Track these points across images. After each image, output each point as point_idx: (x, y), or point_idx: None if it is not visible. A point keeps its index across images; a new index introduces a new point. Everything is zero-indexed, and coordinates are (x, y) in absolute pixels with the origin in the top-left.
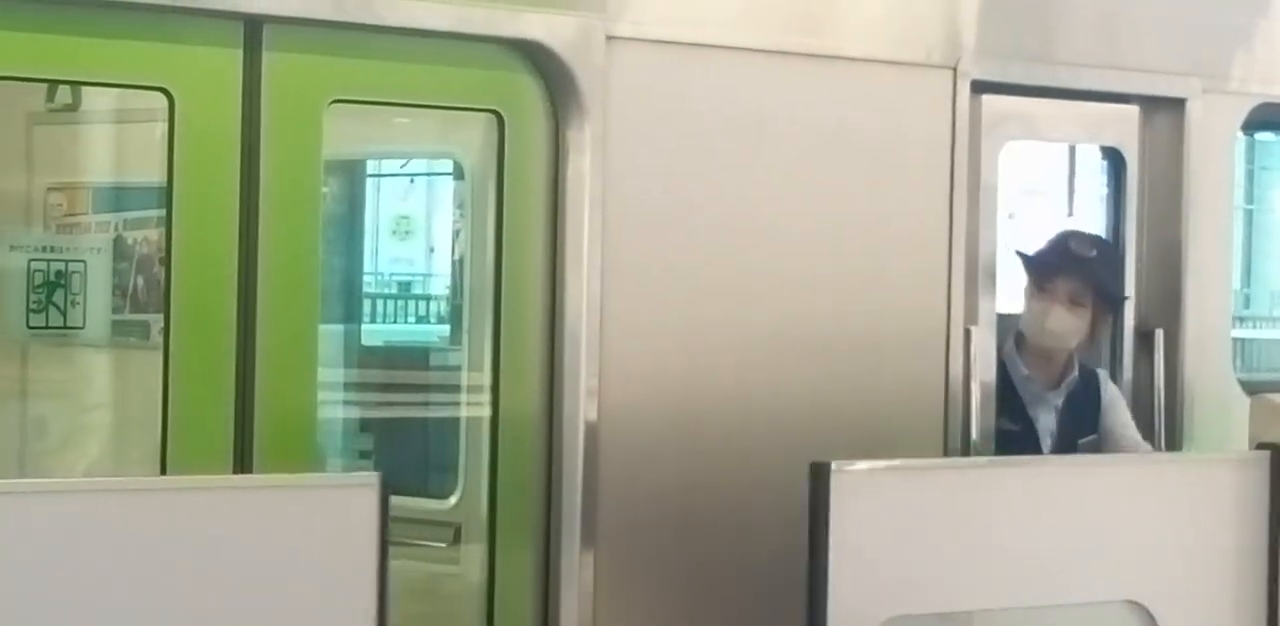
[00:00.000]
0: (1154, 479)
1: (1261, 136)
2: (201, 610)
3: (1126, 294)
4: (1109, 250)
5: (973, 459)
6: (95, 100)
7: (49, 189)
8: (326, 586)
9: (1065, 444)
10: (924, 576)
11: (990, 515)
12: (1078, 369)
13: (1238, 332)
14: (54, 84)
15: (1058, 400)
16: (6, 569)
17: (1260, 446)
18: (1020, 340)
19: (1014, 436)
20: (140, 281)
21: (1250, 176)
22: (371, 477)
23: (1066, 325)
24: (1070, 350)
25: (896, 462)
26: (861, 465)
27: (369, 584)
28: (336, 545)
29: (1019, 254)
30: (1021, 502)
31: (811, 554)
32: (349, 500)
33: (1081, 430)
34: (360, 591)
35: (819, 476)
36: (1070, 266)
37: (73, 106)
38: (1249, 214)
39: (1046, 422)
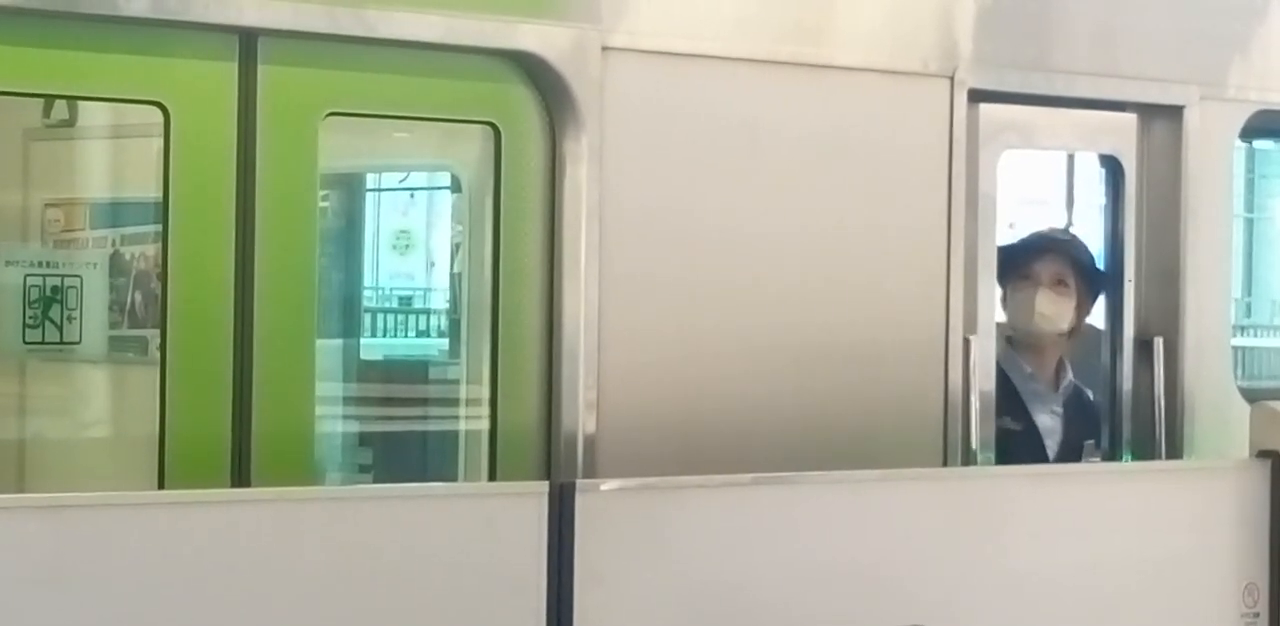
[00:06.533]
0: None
1: (1261, 144)
2: (370, 620)
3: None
4: (1079, 238)
5: (735, 476)
6: (92, 115)
7: (47, 205)
8: (495, 594)
9: (1069, 446)
10: (683, 603)
11: (760, 536)
12: (1071, 374)
13: (1240, 341)
14: (49, 99)
15: (1058, 402)
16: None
17: (1261, 454)
18: (1012, 343)
19: (1016, 436)
20: (138, 297)
21: (1250, 185)
22: (539, 486)
23: (1056, 306)
24: (1062, 339)
25: (652, 480)
26: (610, 484)
27: (538, 592)
28: (505, 553)
29: (998, 248)
30: (789, 522)
31: (554, 581)
32: (517, 508)
33: (1083, 434)
34: (529, 599)
35: (562, 497)
36: (1050, 246)
37: (69, 122)
38: (1249, 222)
39: (1046, 423)
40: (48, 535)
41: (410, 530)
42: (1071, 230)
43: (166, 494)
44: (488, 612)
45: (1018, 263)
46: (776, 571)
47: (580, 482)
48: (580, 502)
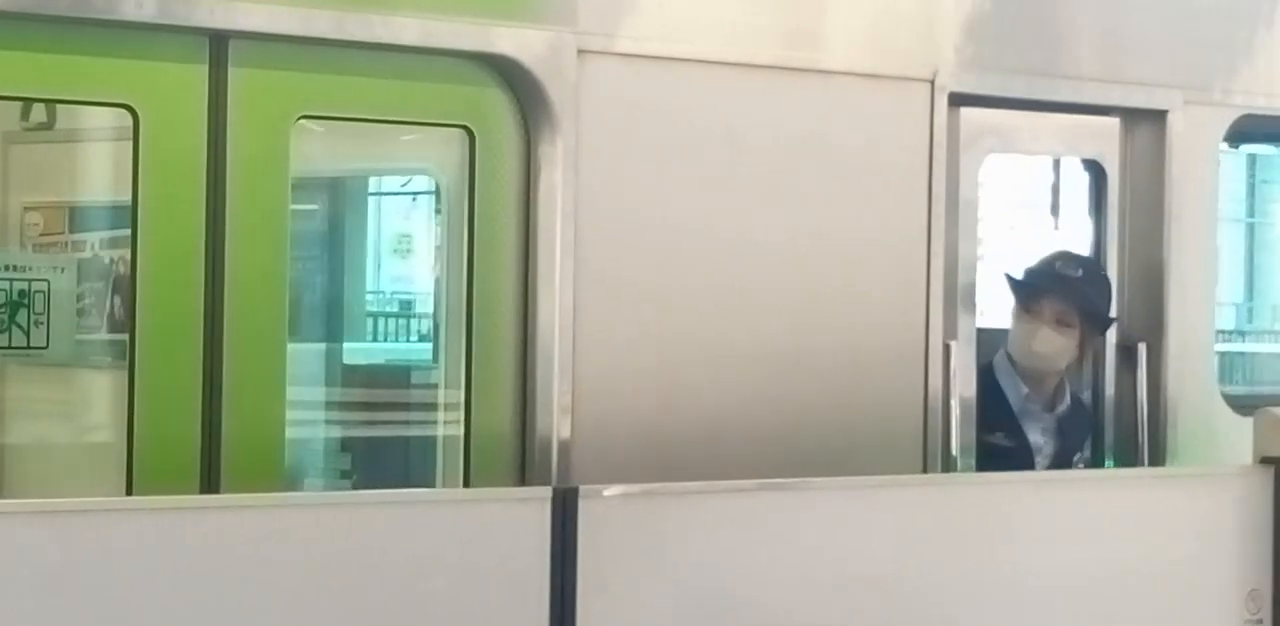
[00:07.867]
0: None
1: (1262, 149)
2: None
3: (1114, 314)
4: (1095, 270)
5: (739, 482)
6: (71, 119)
7: (25, 208)
8: (499, 601)
9: (1059, 463)
10: (686, 608)
11: (764, 542)
12: (1069, 398)
13: (1241, 346)
14: (16, 101)
15: (1052, 422)
16: (154, 581)
17: (1263, 460)
18: (1013, 360)
19: (1008, 453)
20: (117, 300)
21: (1251, 189)
22: (543, 491)
23: (1054, 346)
24: (1061, 372)
25: (655, 486)
26: (613, 490)
27: (541, 598)
28: (508, 559)
29: (1005, 276)
30: (793, 528)
31: (558, 587)
32: (520, 514)
33: (1073, 449)
34: (532, 605)
35: (565, 502)
36: (1056, 287)
37: (48, 125)
38: (1250, 227)
39: (1037, 441)
40: (42, 540)
41: (412, 536)
42: (1084, 261)
43: (165, 499)
44: (491, 619)
45: (1026, 292)
46: (780, 577)
47: (583, 488)
48: (583, 508)
